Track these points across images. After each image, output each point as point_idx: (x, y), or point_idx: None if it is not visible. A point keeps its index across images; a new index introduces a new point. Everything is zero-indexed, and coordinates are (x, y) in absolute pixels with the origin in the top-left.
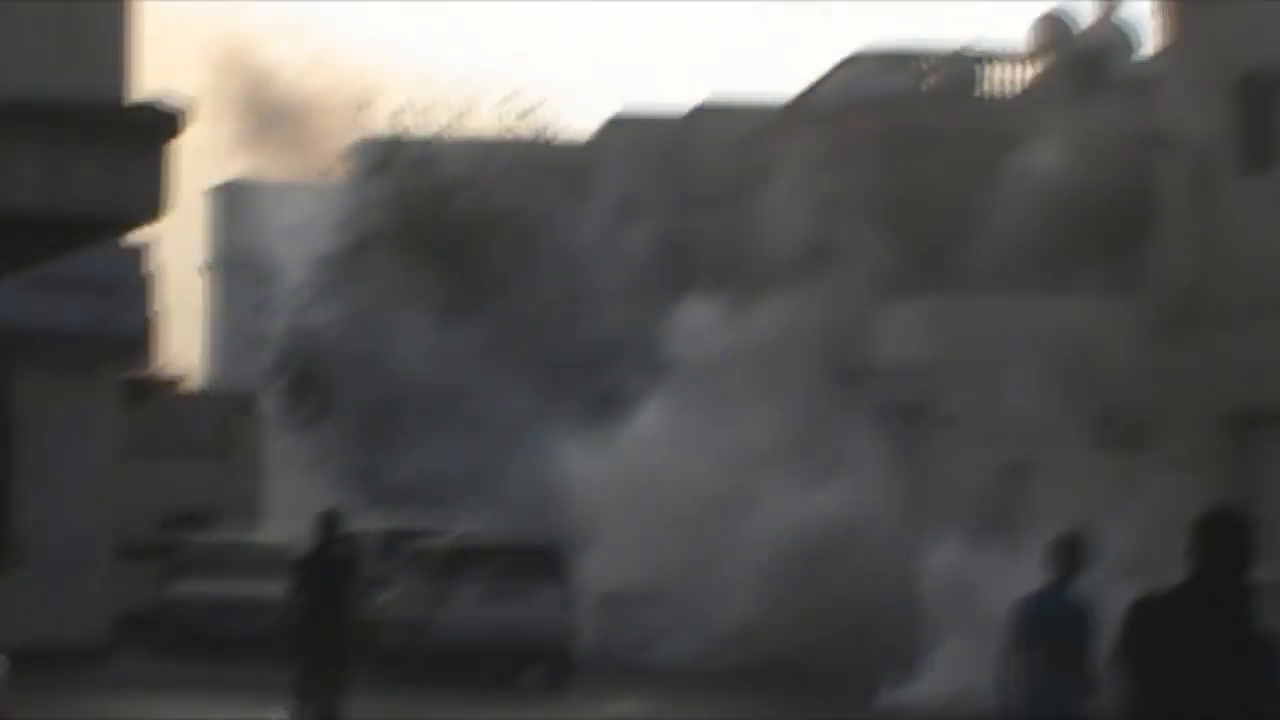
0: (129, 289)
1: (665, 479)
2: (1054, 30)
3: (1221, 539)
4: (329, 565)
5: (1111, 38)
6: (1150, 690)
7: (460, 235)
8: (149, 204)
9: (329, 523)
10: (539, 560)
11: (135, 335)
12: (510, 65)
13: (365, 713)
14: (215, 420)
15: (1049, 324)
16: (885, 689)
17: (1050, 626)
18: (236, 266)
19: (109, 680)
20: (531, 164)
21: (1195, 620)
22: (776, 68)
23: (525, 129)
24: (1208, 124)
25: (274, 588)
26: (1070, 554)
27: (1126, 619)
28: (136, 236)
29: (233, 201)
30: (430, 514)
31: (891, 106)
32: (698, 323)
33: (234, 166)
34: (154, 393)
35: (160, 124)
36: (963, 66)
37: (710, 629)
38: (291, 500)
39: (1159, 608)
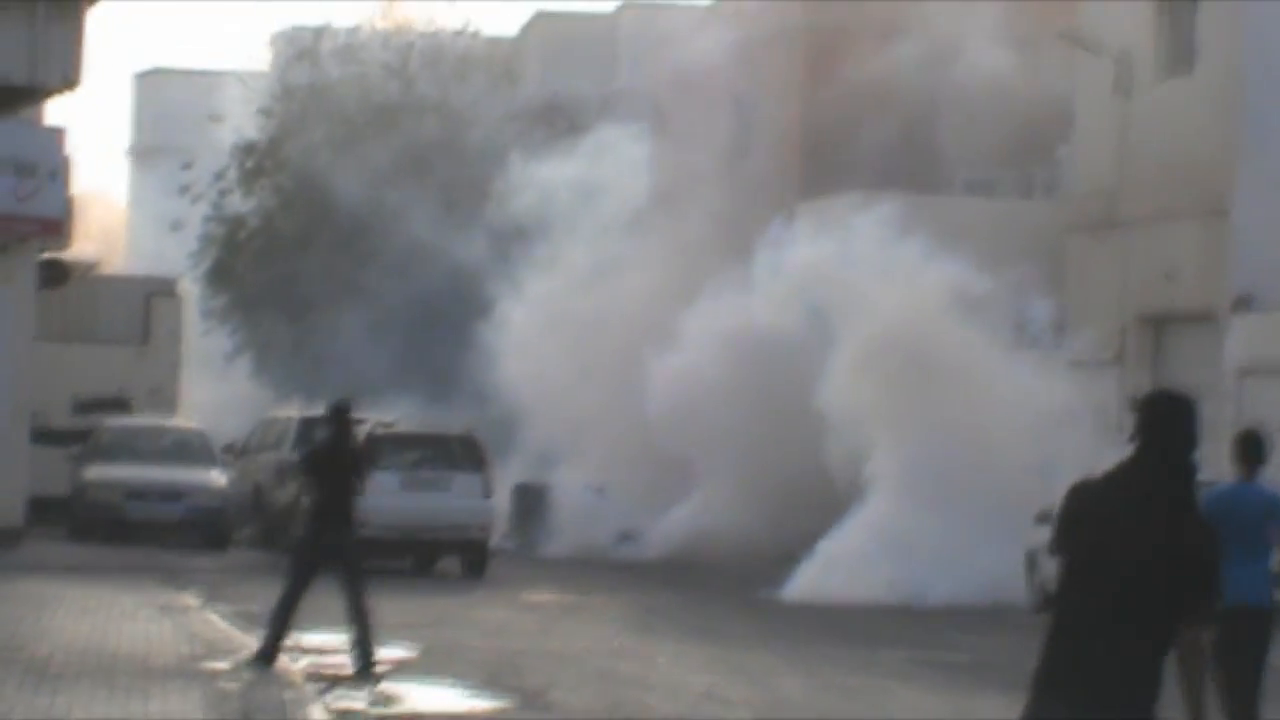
0: (48, 169)
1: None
2: None
3: (1160, 421)
4: (344, 457)
5: None
6: (1080, 563)
7: (385, 121)
8: (64, 72)
9: (341, 413)
10: (458, 449)
11: (54, 216)
12: None
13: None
14: (134, 304)
15: (975, 223)
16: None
17: (1236, 518)
18: (159, 152)
19: (21, 563)
20: (456, 56)
21: (1130, 498)
22: None
23: (450, 21)
24: (1128, 27)
25: (186, 474)
26: (1256, 449)
27: (1064, 501)
28: (57, 117)
29: (156, 88)
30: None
31: (814, 3)
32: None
33: (158, 53)
34: (72, 275)
35: None
36: None
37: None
38: (207, 387)
39: (1095, 488)
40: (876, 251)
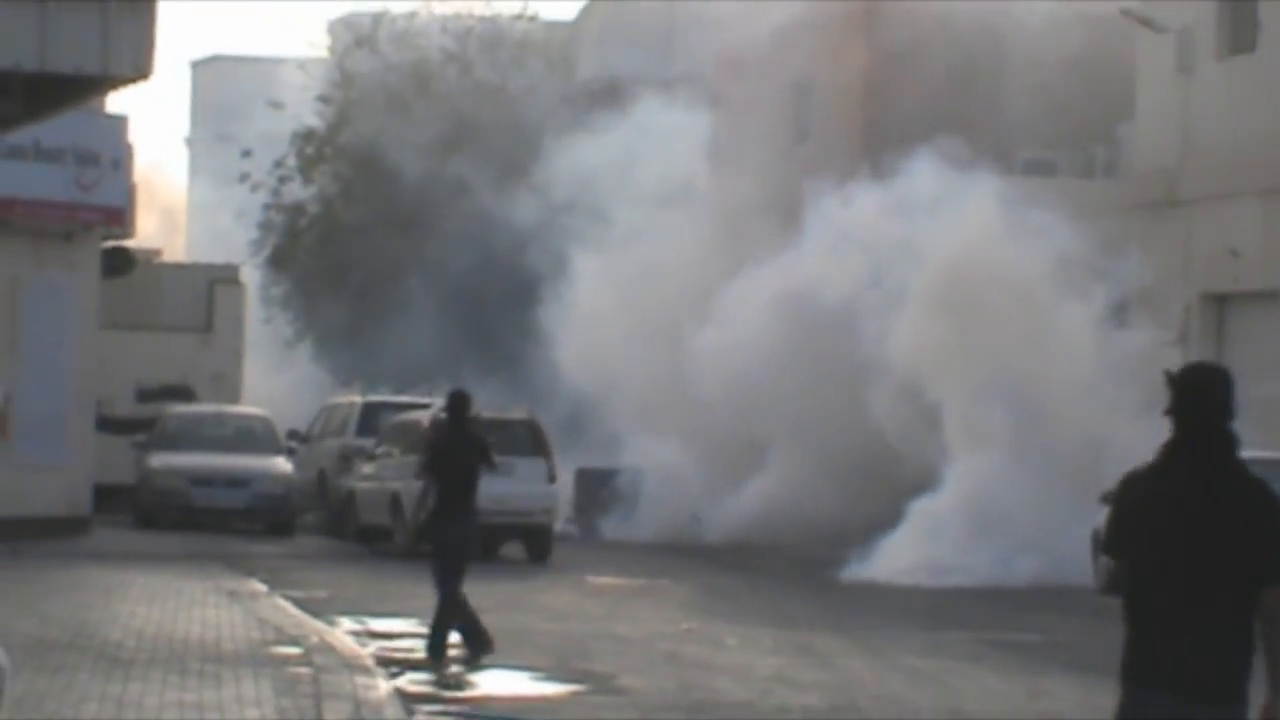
0: (111, 158)
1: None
2: None
3: (1195, 393)
4: (465, 447)
5: None
6: (1146, 557)
7: (443, 106)
8: (136, 62)
9: (461, 403)
10: (521, 434)
11: (117, 205)
12: None
13: (347, 586)
14: (197, 292)
15: (1036, 201)
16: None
17: None
18: (218, 140)
19: (89, 551)
20: (514, 41)
21: (1180, 478)
22: None
23: (508, 6)
24: (1190, 5)
25: (251, 461)
26: None
27: (1115, 500)
28: (119, 106)
29: (214, 75)
30: (413, 388)
31: None
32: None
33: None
34: (135, 262)
35: None
36: None
37: (684, 504)
38: (270, 374)
39: (1143, 480)
40: (938, 188)
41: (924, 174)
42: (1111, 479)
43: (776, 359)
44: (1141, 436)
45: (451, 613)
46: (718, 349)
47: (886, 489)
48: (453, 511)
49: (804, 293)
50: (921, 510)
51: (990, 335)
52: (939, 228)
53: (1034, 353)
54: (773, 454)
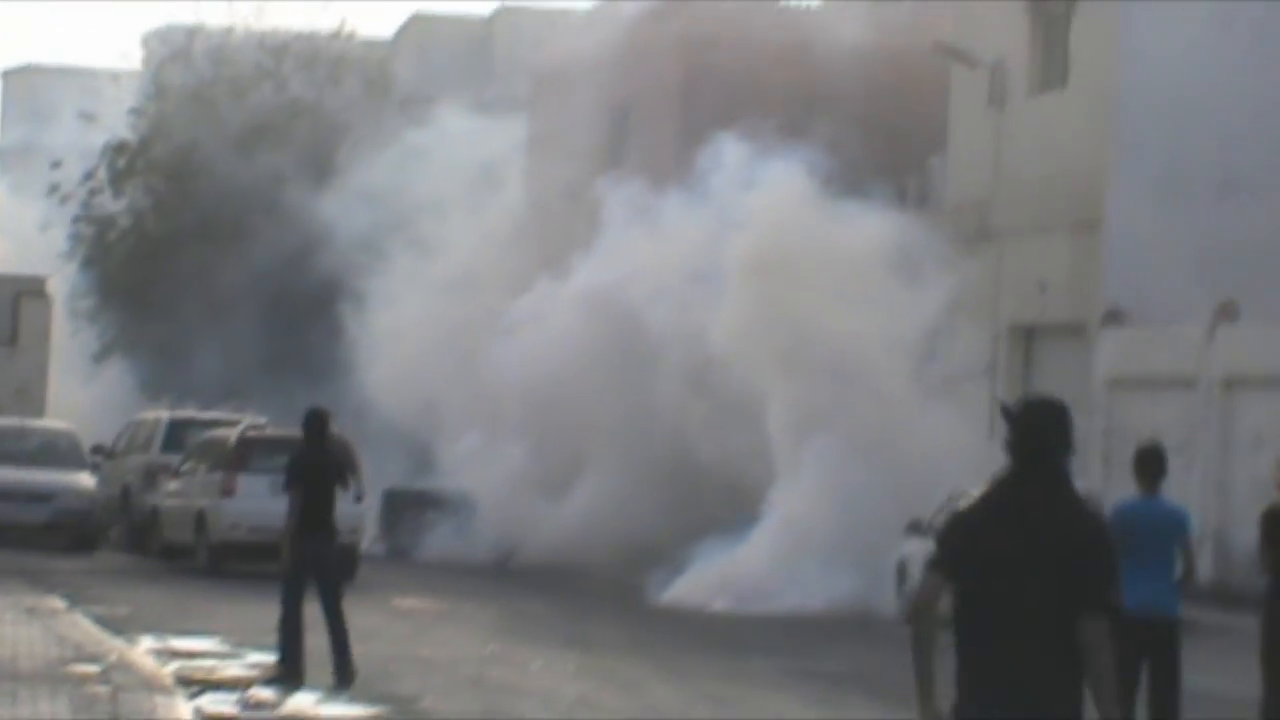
0: None
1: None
2: None
3: (1034, 427)
4: (325, 465)
5: None
6: (975, 586)
7: (259, 124)
8: None
9: (319, 421)
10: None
11: None
12: None
13: (148, 604)
14: (2, 304)
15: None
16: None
17: (1142, 533)
18: (27, 151)
19: None
20: (331, 59)
21: (1014, 510)
22: None
23: (325, 23)
24: (1002, 38)
25: (54, 476)
26: (1157, 463)
27: (945, 530)
28: None
29: (25, 84)
30: (219, 406)
31: (692, 10)
32: None
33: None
34: None
35: None
36: None
37: (494, 525)
38: (75, 388)
39: (976, 512)
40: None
41: (731, 155)
42: (921, 508)
43: (580, 364)
44: (957, 465)
45: (283, 628)
46: (520, 358)
47: (703, 499)
48: (311, 528)
49: (605, 290)
50: (733, 531)
51: (814, 310)
52: (754, 201)
53: (859, 330)
54: (589, 467)
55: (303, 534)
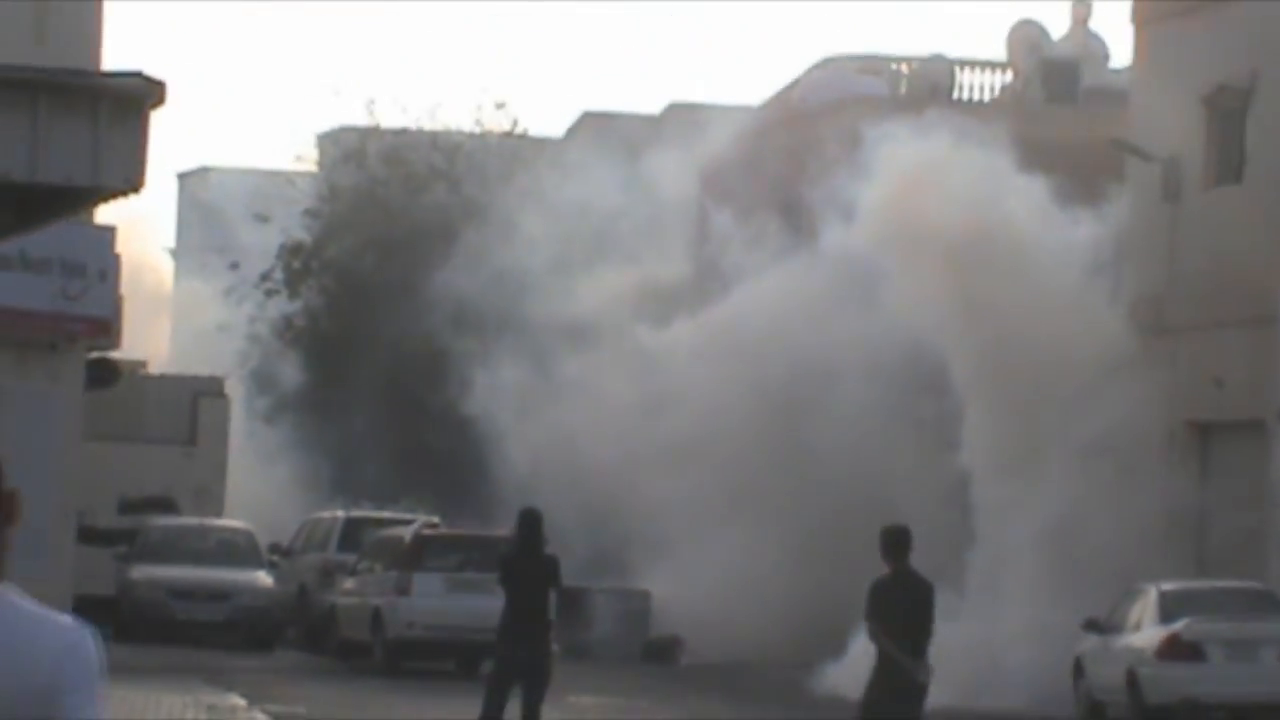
0: (98, 269)
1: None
2: (1028, 38)
3: (894, 544)
4: (537, 567)
5: (1085, 47)
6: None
7: (433, 224)
8: (127, 174)
9: (533, 522)
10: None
11: (103, 316)
12: (484, 61)
13: (326, 702)
14: (181, 404)
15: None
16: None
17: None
18: (205, 252)
19: None
20: (504, 157)
21: (900, 584)
22: (749, 70)
23: (498, 123)
24: (1177, 135)
25: (232, 574)
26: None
27: (872, 590)
28: (106, 218)
29: (202, 187)
30: (393, 505)
31: (865, 108)
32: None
33: (205, 152)
34: (120, 374)
35: (140, 93)
36: (936, 71)
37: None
38: (253, 488)
39: (885, 582)
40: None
41: None
42: (1096, 606)
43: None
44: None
45: None
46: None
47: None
48: (518, 634)
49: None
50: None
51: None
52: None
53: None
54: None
55: (514, 636)
